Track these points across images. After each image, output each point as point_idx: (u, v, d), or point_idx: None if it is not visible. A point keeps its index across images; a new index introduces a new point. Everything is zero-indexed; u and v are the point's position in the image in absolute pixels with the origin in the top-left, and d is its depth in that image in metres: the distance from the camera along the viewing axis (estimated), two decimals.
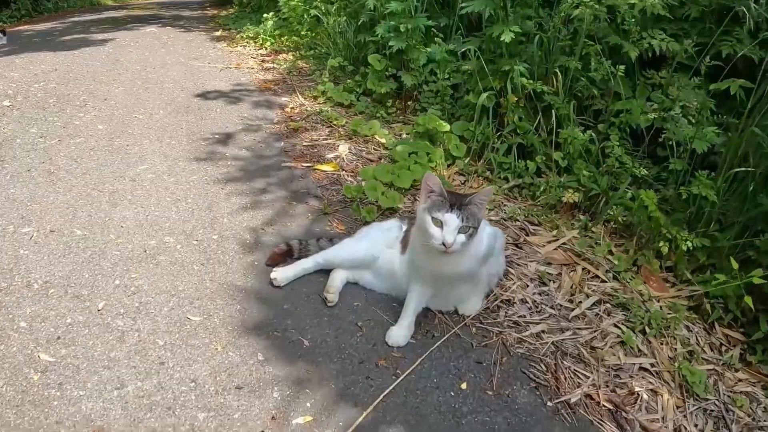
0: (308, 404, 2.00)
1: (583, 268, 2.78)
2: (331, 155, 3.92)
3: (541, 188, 3.30)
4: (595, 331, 2.43)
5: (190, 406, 1.98)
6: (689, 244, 2.66)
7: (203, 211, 3.17)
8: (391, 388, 2.09)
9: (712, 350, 2.51)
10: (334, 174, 3.66)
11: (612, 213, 3.04)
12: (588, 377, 2.21)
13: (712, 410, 2.20)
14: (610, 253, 2.90)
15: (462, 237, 2.09)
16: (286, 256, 2.78)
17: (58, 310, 2.40)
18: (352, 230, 2.94)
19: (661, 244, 2.73)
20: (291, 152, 4.00)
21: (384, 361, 2.21)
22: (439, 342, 2.38)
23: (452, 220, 2.05)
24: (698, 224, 2.81)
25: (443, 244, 2.06)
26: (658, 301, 2.63)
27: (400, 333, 2.33)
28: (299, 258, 2.72)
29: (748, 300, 2.32)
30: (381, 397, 2.05)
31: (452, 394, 2.10)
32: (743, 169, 2.70)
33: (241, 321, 2.36)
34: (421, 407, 2.06)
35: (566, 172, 3.30)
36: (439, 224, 2.07)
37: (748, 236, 2.62)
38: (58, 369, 2.10)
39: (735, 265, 2.37)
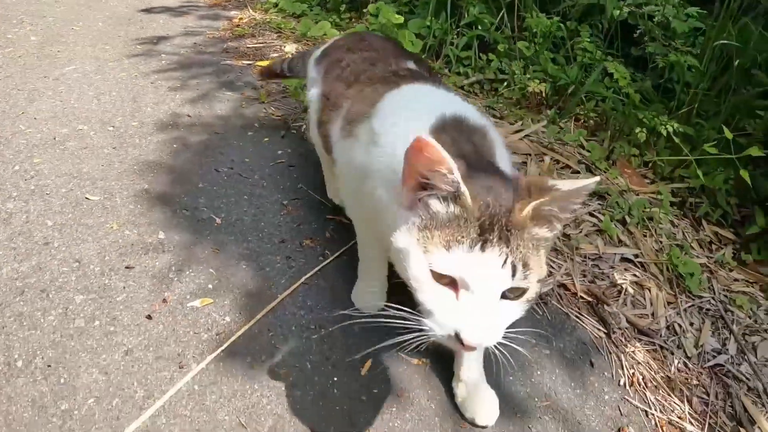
0: (210, 285, 1.54)
1: (552, 158, 2.29)
2: (275, 55, 3.39)
3: (505, 83, 2.79)
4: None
5: (68, 288, 1.52)
6: (669, 128, 2.20)
7: (127, 102, 2.69)
8: (316, 270, 1.63)
9: (701, 247, 2.12)
10: None
11: (583, 108, 2.55)
12: (561, 265, 1.76)
13: (708, 309, 1.84)
14: (582, 147, 2.42)
15: (511, 309, 0.93)
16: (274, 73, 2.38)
17: None
18: (289, 116, 2.42)
19: (638, 130, 2.27)
20: (233, 53, 3.49)
21: (311, 241, 1.76)
22: None
23: (490, 274, 0.89)
24: (678, 113, 2.35)
25: (458, 337, 0.89)
26: (638, 195, 2.16)
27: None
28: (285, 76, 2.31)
29: (744, 174, 1.87)
30: (303, 279, 1.61)
31: None
32: (726, 42, 2.22)
33: (146, 199, 1.89)
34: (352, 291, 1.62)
35: (532, 65, 2.81)
36: (449, 282, 0.90)
37: (732, 129, 2.17)
38: None
39: (729, 135, 1.92)
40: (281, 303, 1.54)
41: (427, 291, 0.90)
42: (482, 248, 0.87)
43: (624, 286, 1.80)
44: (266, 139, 2.31)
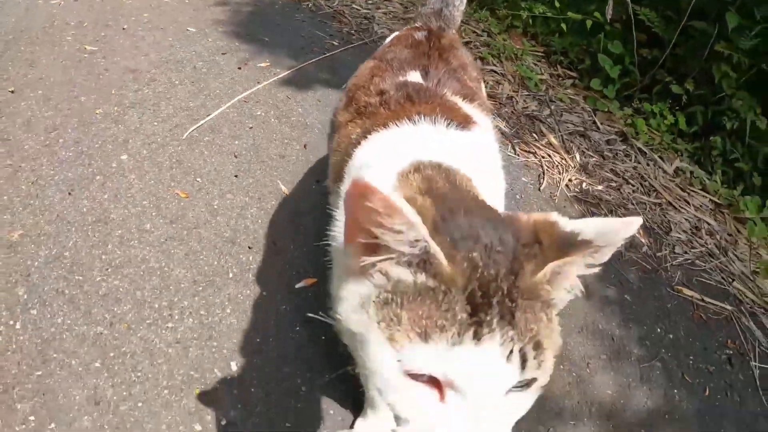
0: (268, 61, 3.10)
1: (466, 27, 3.85)
2: None
3: None
4: None
5: (193, 60, 3.05)
6: (539, 10, 3.75)
7: None
8: (323, 57, 3.19)
9: (551, 77, 3.56)
10: None
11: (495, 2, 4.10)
12: None
13: (539, 98, 3.28)
14: (489, 28, 3.97)
15: (518, 402, 0.68)
16: None
17: (94, 32, 3.31)
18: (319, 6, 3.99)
19: (520, 11, 3.82)
20: None
21: (318, 48, 3.30)
22: (360, 42, 3.47)
23: (489, 373, 0.63)
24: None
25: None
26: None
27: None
28: None
29: (564, 26, 3.41)
30: (316, 59, 3.14)
31: None
32: None
33: (223, 31, 3.41)
34: (338, 67, 3.16)
35: None
36: (428, 379, 0.64)
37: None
38: (99, 53, 3.08)
39: (557, 2, 3.47)
40: (305, 66, 3.10)
41: (397, 393, 0.64)
42: (476, 336, 0.60)
43: (487, 80, 3.35)
44: (287, 10, 3.82)
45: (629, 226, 0.64)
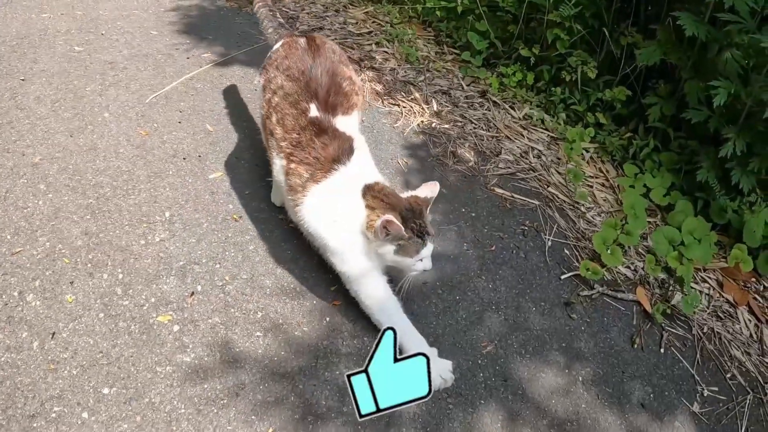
0: (209, 51, 4.56)
1: (373, 21, 5.30)
2: None
3: None
4: (359, 40, 4.97)
5: (154, 54, 4.45)
6: (430, 4, 5.19)
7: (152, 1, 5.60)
8: (249, 48, 4.63)
9: (436, 54, 4.96)
10: None
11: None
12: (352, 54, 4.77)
13: (419, 69, 4.63)
14: (392, 19, 5.41)
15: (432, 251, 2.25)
16: None
17: (80, 37, 4.55)
18: (242, 6, 5.47)
19: (417, 4, 5.26)
20: None
21: (249, 42, 4.76)
22: None
23: (430, 249, 2.19)
24: None
25: (424, 270, 2.27)
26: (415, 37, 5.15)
27: None
28: None
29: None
30: (245, 50, 4.58)
31: None
32: None
33: (176, 31, 4.80)
34: (260, 56, 4.33)
35: None
36: (420, 259, 2.18)
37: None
38: (85, 51, 4.47)
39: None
40: (238, 55, 4.57)
41: (412, 266, 2.18)
42: (424, 245, 2.14)
43: (376, 57, 4.78)
44: (229, 15, 5.21)
45: (435, 187, 2.25)
